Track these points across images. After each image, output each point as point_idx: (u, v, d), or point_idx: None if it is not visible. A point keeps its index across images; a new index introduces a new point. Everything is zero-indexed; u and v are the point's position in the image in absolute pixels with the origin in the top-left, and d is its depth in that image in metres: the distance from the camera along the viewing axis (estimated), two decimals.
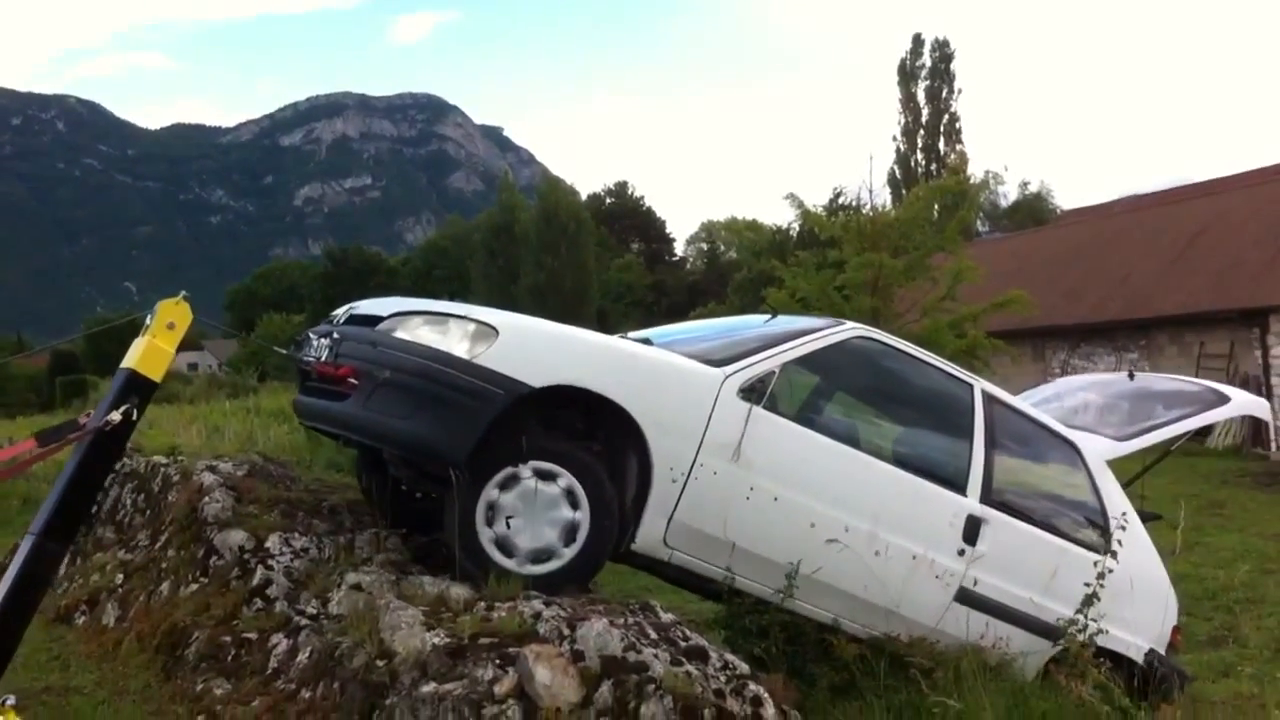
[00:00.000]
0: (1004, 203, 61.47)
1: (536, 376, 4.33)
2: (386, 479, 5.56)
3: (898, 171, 57.92)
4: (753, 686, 3.79)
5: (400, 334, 4.46)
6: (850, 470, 5.09)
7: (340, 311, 5.13)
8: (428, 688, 3.70)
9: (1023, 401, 6.30)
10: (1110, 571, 5.43)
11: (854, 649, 4.96)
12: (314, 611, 4.68)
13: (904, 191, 46.02)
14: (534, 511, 4.45)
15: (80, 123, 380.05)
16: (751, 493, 4.78)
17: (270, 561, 5.12)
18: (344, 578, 4.81)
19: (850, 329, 5.40)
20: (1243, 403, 6.83)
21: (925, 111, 60.02)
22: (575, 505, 4.48)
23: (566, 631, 3.92)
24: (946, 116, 59.98)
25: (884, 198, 30.68)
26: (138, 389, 4.01)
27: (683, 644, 3.99)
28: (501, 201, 61.69)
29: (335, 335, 4.70)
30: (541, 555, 4.49)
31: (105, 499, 6.88)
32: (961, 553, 5.28)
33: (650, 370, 4.72)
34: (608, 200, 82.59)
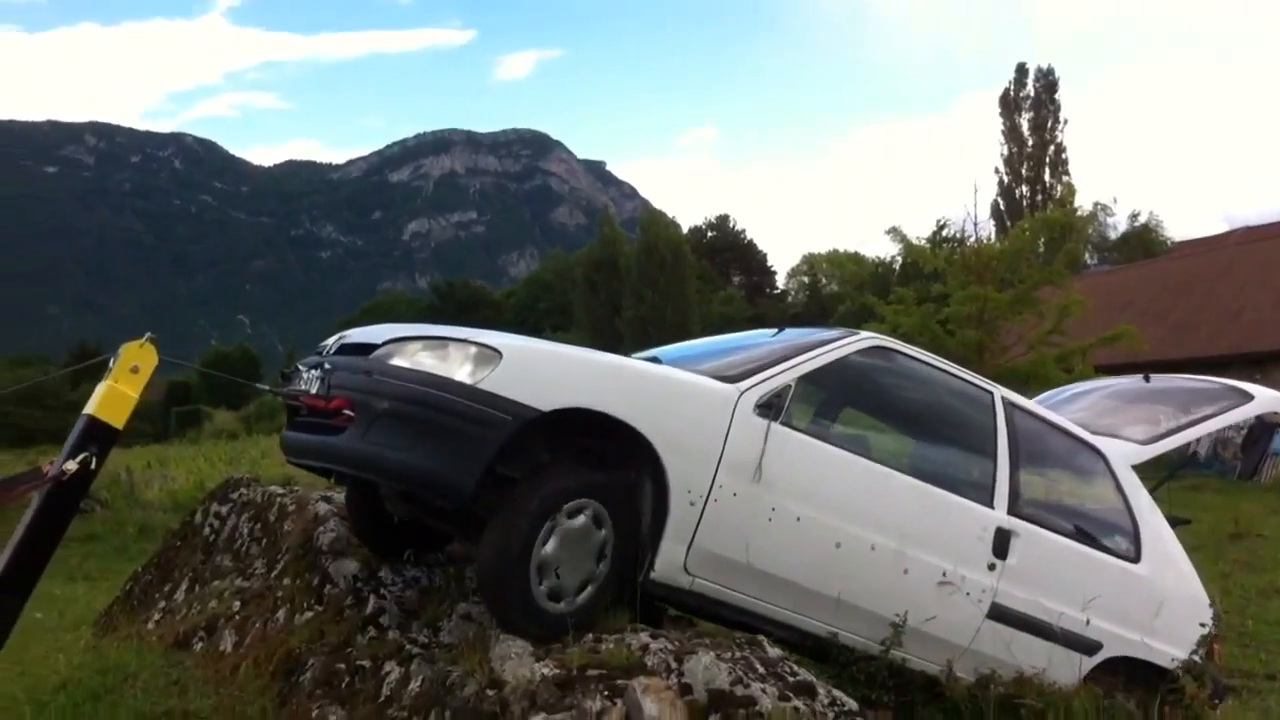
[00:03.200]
0: (1113, 234, 60.49)
1: (544, 400, 4.09)
2: (375, 512, 5.44)
3: (1001, 203, 57.35)
4: None
5: (397, 361, 4.24)
6: (874, 486, 4.93)
7: (330, 341, 4.89)
8: (538, 718, 3.73)
9: (1043, 408, 6.15)
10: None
11: (963, 689, 4.89)
12: (425, 640, 4.74)
13: (1008, 223, 45.53)
14: (575, 552, 4.26)
15: (196, 160, 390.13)
16: (774, 514, 4.60)
17: (383, 590, 5.20)
18: (455, 608, 4.88)
19: (865, 339, 5.25)
20: (1266, 400, 6.57)
21: (1029, 142, 59.40)
22: (600, 524, 4.31)
23: (674, 664, 3.92)
24: (1052, 147, 59.23)
25: (988, 230, 30.42)
26: (97, 436, 3.84)
27: (790, 679, 3.95)
28: (603, 236, 62.21)
29: (326, 366, 4.48)
30: (584, 584, 4.33)
31: (223, 528, 7.05)
32: (992, 567, 5.15)
33: (662, 389, 4.50)
34: (709, 233, 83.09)
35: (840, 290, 68.88)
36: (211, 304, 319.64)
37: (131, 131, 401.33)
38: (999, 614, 5.16)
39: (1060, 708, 4.68)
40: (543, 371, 4.22)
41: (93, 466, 3.82)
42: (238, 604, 5.79)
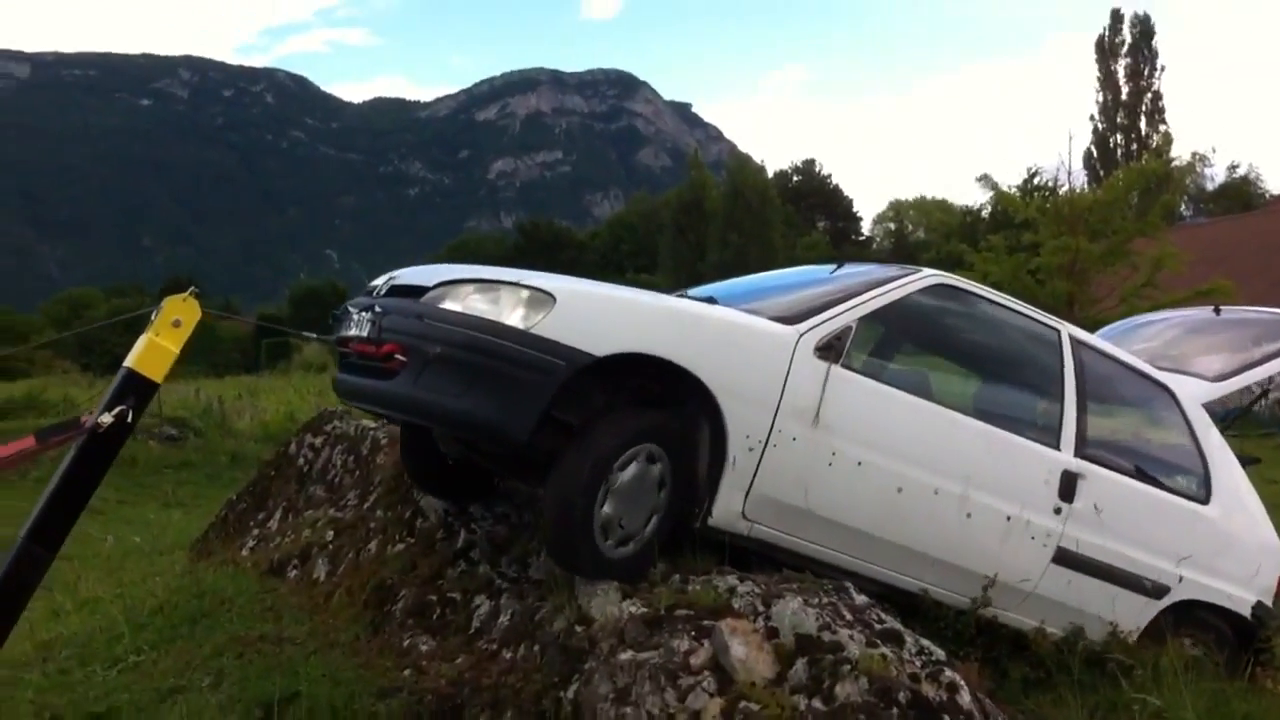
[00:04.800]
0: (1210, 186, 59.13)
1: (599, 345, 4.00)
2: (429, 453, 5.37)
3: (1094, 152, 56.27)
4: (948, 673, 3.72)
5: (448, 305, 4.14)
6: (937, 429, 4.80)
7: (380, 281, 4.77)
8: (625, 655, 3.79)
9: (1111, 345, 5.93)
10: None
11: (1049, 645, 4.86)
12: (514, 575, 4.81)
13: (1101, 172, 44.65)
14: (635, 499, 4.20)
15: (287, 96, 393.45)
16: (834, 458, 4.49)
17: (473, 525, 5.27)
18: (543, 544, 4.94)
19: (928, 276, 5.06)
20: None
21: (1125, 90, 58.14)
22: (655, 460, 4.23)
23: (761, 608, 3.93)
24: (1148, 95, 57.90)
25: (1081, 179, 29.82)
26: (136, 390, 3.80)
27: (878, 626, 3.94)
28: (691, 179, 62.02)
29: (377, 309, 4.37)
30: (648, 520, 4.27)
31: (317, 459, 7.18)
32: (1058, 511, 5.03)
33: (719, 332, 4.39)
34: (795, 178, 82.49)
35: (927, 238, 68.09)
36: (301, 238, 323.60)
37: (224, 66, 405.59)
38: (1065, 558, 5.08)
39: (1149, 664, 4.62)
40: (597, 315, 4.14)
41: (129, 420, 3.77)
42: (331, 534, 5.91)
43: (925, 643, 3.95)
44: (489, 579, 4.82)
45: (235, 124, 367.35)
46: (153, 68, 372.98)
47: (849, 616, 3.96)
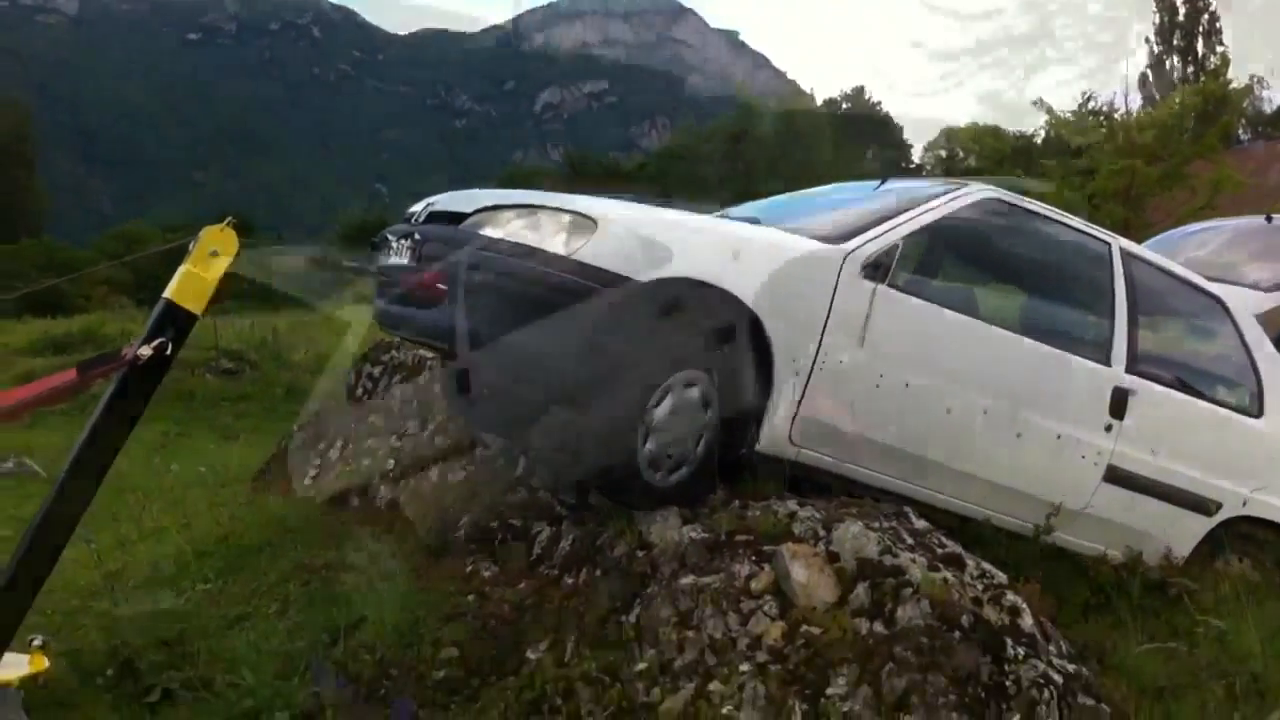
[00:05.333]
0: (1268, 108, 57.85)
1: (642, 270, 3.95)
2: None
3: (1150, 75, 55.00)
4: (1010, 596, 3.75)
5: (489, 230, 4.10)
6: (985, 348, 4.73)
7: (418, 207, 4.68)
8: (687, 579, 3.83)
9: (1162, 258, 5.80)
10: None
11: (1109, 572, 4.83)
12: (574, 503, 4.82)
13: (1156, 95, 43.77)
14: (679, 427, 4.16)
15: (334, 28, 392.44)
16: (881, 380, 4.44)
17: (532, 453, 5.29)
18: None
19: (976, 191, 4.94)
20: None
21: (1182, 10, 56.68)
22: (692, 383, 4.18)
23: (822, 533, 3.95)
24: (1205, 16, 56.55)
25: (1137, 101, 29.26)
26: (175, 321, 3.75)
27: (939, 550, 3.96)
28: (740, 108, 61.60)
29: (416, 236, 4.36)
30: (698, 440, 4.25)
31: (375, 388, 7.23)
32: (1109, 428, 4.97)
33: (763, 253, 4.33)
34: (844, 105, 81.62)
35: (978, 165, 67.21)
36: (348, 172, 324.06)
37: None
38: (1116, 476, 5.03)
39: (1210, 589, 4.60)
40: (640, 239, 4.08)
41: (169, 352, 3.72)
42: (391, 463, 5.95)
43: (986, 566, 3.96)
44: (549, 506, 4.84)
45: (281, 57, 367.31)
46: (199, 1, 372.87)
47: (910, 540, 3.98)
